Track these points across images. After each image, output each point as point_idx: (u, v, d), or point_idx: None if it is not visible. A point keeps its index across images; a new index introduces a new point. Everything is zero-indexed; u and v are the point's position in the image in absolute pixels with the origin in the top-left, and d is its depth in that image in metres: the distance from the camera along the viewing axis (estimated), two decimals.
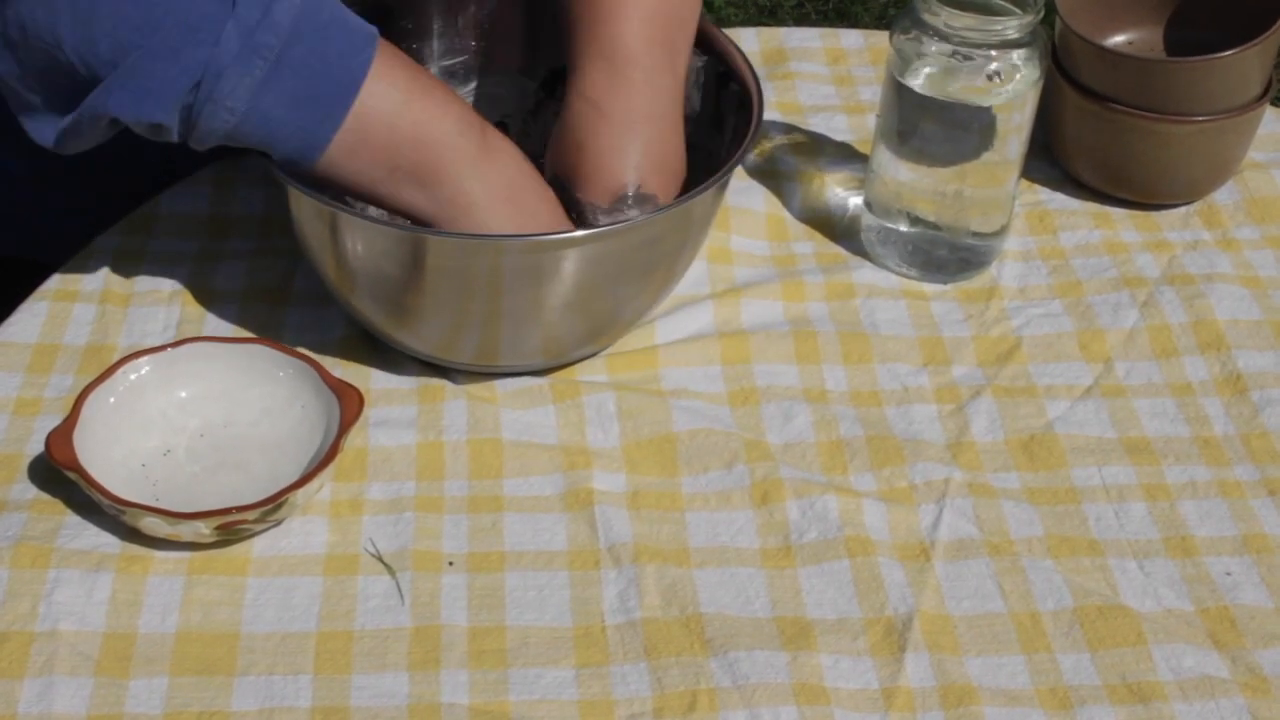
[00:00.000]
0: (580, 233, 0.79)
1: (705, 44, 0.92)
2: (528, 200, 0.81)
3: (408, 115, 0.77)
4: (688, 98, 0.89)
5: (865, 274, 0.96)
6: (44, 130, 0.77)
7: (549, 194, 0.83)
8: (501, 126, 0.94)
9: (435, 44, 0.97)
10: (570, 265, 0.79)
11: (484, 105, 0.98)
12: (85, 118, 0.75)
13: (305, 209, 0.80)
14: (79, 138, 0.77)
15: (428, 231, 0.80)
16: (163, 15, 0.72)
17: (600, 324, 0.86)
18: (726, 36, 0.91)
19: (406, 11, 0.95)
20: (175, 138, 0.76)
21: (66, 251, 0.94)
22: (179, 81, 0.72)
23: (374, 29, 0.77)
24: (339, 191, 0.80)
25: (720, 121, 0.90)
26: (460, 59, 0.98)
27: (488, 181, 0.79)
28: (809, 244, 0.98)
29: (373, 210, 0.84)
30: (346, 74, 0.75)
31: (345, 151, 0.76)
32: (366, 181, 0.78)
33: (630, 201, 0.84)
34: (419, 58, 0.96)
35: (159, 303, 0.90)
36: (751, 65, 0.89)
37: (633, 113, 0.84)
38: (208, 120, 0.74)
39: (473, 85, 0.98)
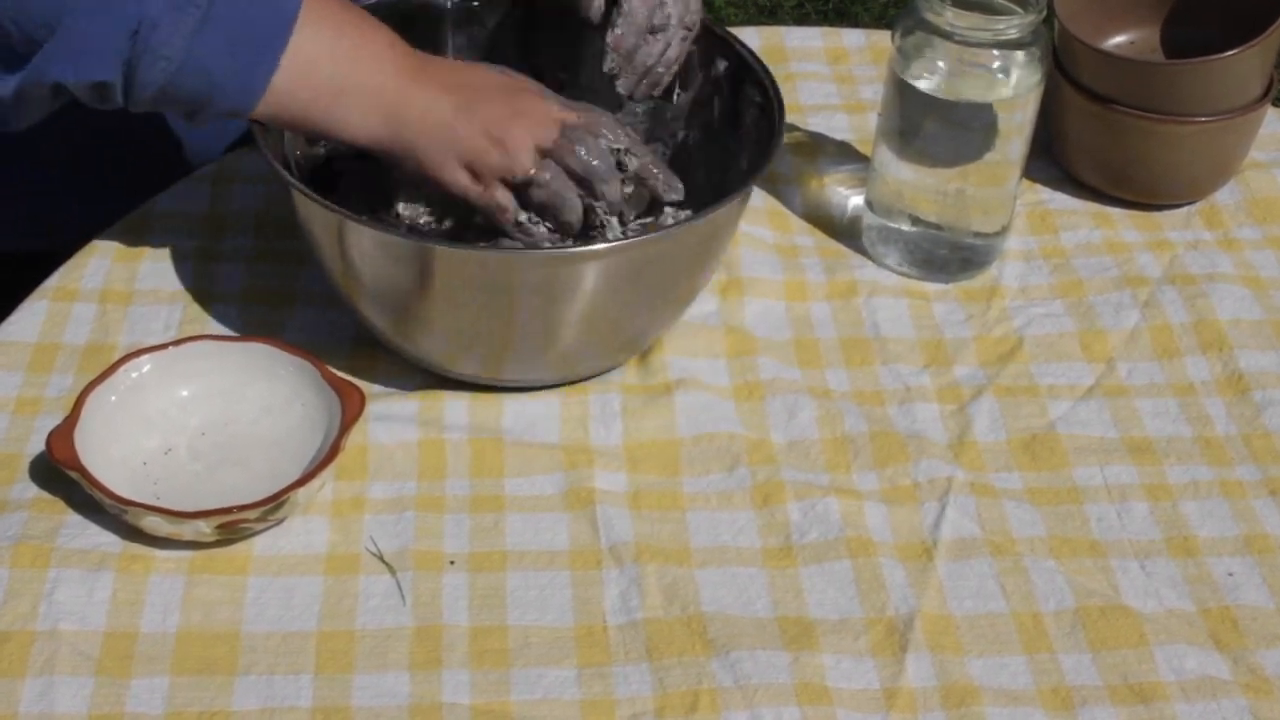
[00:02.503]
0: (597, 246, 0.79)
1: (724, 49, 0.92)
2: (474, 80, 0.82)
3: (343, 44, 0.77)
4: (688, 76, 0.91)
5: (867, 273, 0.96)
6: None
7: (493, 76, 0.84)
8: None
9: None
10: (585, 278, 0.78)
11: None
12: (28, 86, 0.75)
13: (313, 215, 0.80)
14: (24, 109, 0.77)
15: (437, 242, 0.79)
16: None
17: (615, 342, 0.85)
18: (743, 43, 0.91)
19: (418, 28, 0.95)
20: (119, 97, 0.76)
21: (67, 247, 0.93)
22: (115, 36, 0.73)
23: None
24: (287, 129, 0.80)
25: (738, 124, 0.90)
26: None
27: (432, 80, 0.80)
28: (810, 239, 0.98)
29: (403, 210, 0.84)
30: (278, 14, 0.75)
31: (285, 91, 0.76)
32: (309, 116, 0.78)
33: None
34: None
35: (160, 301, 0.90)
36: (770, 73, 0.88)
37: None
38: (145, 72, 0.74)
39: None
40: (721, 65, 0.92)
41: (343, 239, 0.80)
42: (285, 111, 0.78)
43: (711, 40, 0.92)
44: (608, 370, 0.87)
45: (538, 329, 0.80)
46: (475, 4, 0.95)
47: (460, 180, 0.80)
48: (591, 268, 0.78)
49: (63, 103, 0.78)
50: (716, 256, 0.86)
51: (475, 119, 0.79)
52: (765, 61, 0.90)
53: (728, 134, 0.91)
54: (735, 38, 0.92)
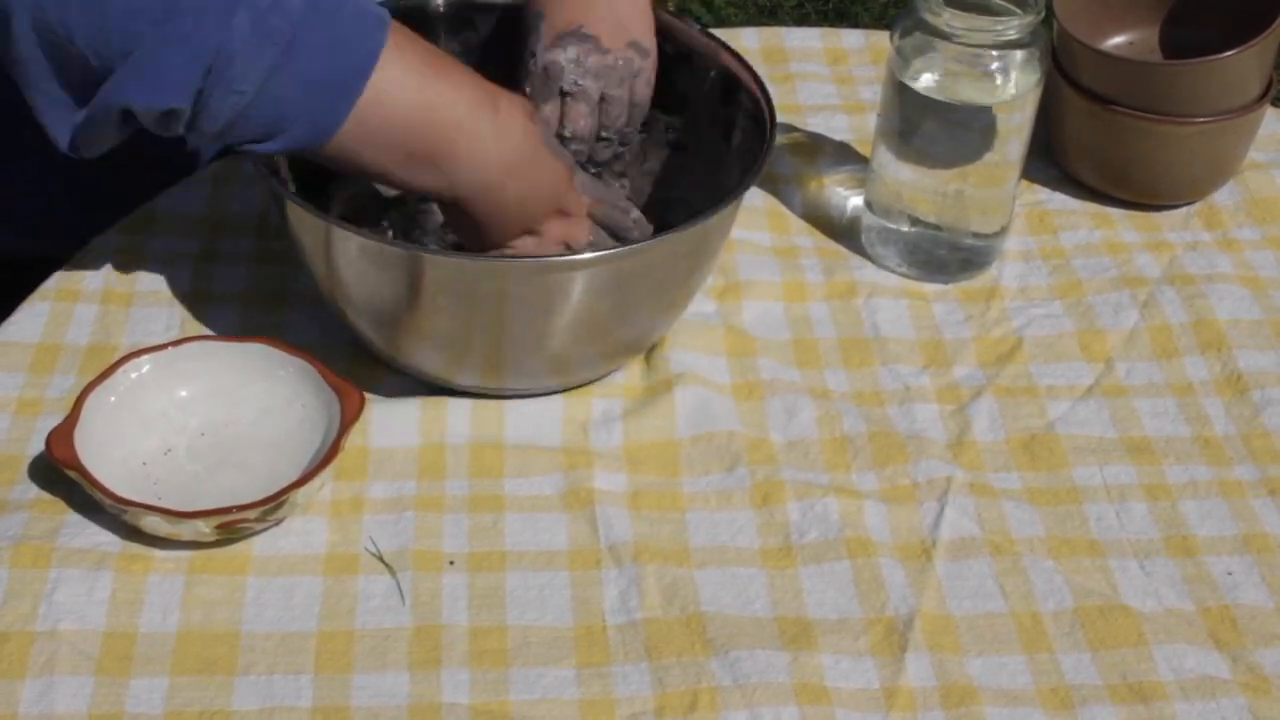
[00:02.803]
0: (585, 255, 0.78)
1: (712, 57, 0.91)
2: (534, 170, 0.81)
3: (421, 98, 0.76)
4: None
5: (867, 273, 0.96)
6: (60, 131, 0.76)
7: (556, 161, 0.83)
8: None
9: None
10: (576, 289, 0.78)
11: None
12: (99, 111, 0.74)
13: (303, 224, 0.80)
14: (94, 135, 0.76)
15: (426, 250, 0.79)
16: (174, 4, 0.71)
17: (611, 348, 0.84)
18: (735, 51, 0.91)
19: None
20: (185, 127, 0.75)
21: (67, 248, 0.93)
22: (191, 67, 0.72)
23: (386, 12, 0.76)
24: (352, 174, 0.79)
25: (729, 135, 0.90)
26: None
27: (501, 157, 0.79)
28: (810, 239, 0.98)
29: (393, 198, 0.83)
30: (358, 58, 0.74)
31: (357, 136, 0.75)
32: (380, 165, 0.77)
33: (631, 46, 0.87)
34: None
35: (160, 302, 0.90)
36: (763, 83, 0.88)
37: None
38: (216, 103, 0.73)
39: None
40: (713, 74, 0.91)
41: (330, 248, 0.79)
42: (352, 157, 0.76)
43: (704, 49, 0.92)
44: (609, 373, 0.87)
45: (530, 337, 0.80)
46: (467, 9, 0.95)
47: (511, 246, 0.82)
48: (580, 276, 0.78)
49: (130, 132, 0.77)
50: (710, 262, 0.86)
51: (536, 214, 0.82)
52: (765, 64, 0.90)
53: (721, 142, 0.91)
54: (727, 46, 0.91)
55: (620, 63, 0.87)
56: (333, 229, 0.78)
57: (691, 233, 0.79)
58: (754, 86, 0.88)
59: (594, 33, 0.86)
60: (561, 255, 0.82)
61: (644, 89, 0.89)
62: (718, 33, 0.94)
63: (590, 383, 0.86)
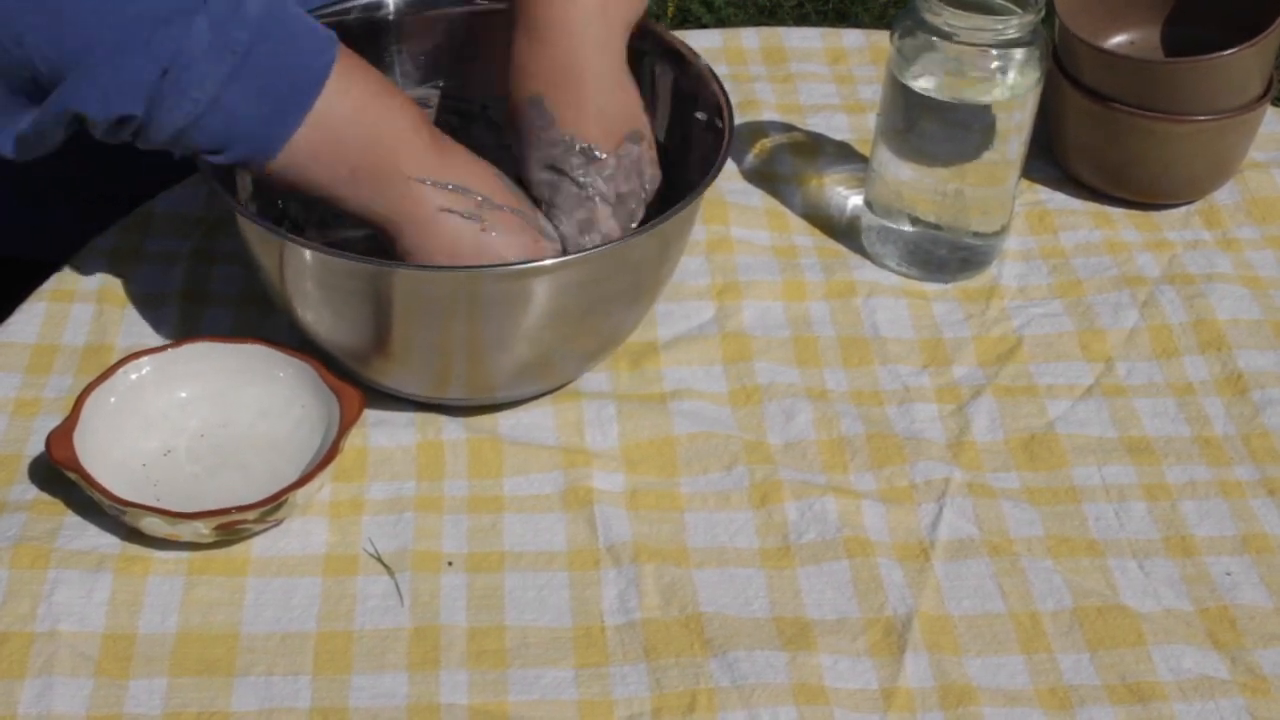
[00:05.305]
0: (546, 262, 0.78)
1: (673, 58, 0.90)
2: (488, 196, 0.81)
3: (367, 115, 0.76)
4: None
5: (866, 273, 0.96)
6: (3, 135, 0.75)
7: (502, 184, 0.82)
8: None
9: (396, 74, 0.95)
10: (538, 294, 0.77)
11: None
12: (48, 117, 0.73)
13: (256, 239, 0.78)
14: (39, 141, 0.75)
15: (384, 264, 0.77)
16: (134, 10, 0.71)
17: (589, 346, 0.84)
18: (693, 51, 0.89)
19: (360, 43, 0.93)
20: (132, 135, 0.74)
21: (64, 251, 0.93)
22: (147, 71, 0.71)
23: (333, 32, 0.76)
24: (299, 195, 0.79)
25: (689, 140, 0.89)
26: (416, 91, 0.96)
27: (441, 177, 0.79)
28: (809, 239, 0.99)
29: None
30: (309, 72, 0.74)
31: (303, 150, 0.75)
32: (324, 182, 0.77)
33: (628, 140, 0.84)
34: None
35: (157, 303, 0.90)
36: (719, 79, 0.87)
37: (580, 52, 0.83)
38: (169, 111, 0.72)
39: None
40: (673, 76, 0.90)
41: (285, 266, 0.78)
42: (294, 173, 0.76)
43: (664, 51, 0.90)
44: (592, 366, 0.87)
45: (505, 342, 0.79)
46: (417, 21, 0.93)
47: None
48: (546, 281, 0.77)
49: (70, 134, 0.76)
50: (675, 256, 0.85)
51: (481, 258, 0.80)
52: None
53: (681, 145, 0.89)
54: (689, 48, 0.89)
55: (623, 160, 0.85)
56: (287, 245, 0.77)
57: (655, 233, 0.78)
58: (713, 84, 0.87)
59: (588, 143, 0.84)
60: (528, 261, 0.80)
61: (650, 168, 0.87)
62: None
63: (574, 381, 0.86)
